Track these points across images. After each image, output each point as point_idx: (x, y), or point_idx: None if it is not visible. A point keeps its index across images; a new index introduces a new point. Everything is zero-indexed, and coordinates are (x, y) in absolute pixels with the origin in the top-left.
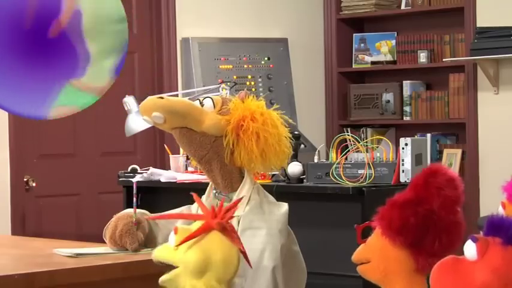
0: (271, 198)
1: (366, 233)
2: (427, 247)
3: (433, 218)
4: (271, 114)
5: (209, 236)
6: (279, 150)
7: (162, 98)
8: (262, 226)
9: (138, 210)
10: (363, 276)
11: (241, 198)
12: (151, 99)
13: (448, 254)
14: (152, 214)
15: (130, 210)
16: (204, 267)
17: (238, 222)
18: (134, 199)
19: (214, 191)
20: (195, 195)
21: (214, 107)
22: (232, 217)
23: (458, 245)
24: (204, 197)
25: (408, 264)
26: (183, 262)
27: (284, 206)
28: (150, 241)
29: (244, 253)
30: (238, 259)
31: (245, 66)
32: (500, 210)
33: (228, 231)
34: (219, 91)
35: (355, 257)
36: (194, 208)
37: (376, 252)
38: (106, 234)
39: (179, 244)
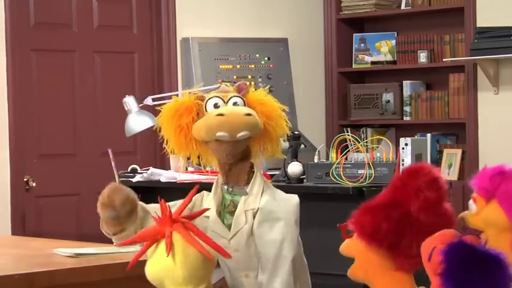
0: (279, 191)
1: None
2: (405, 249)
3: (409, 221)
4: (267, 98)
5: (156, 246)
6: (284, 125)
7: (250, 114)
8: (280, 217)
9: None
10: (352, 279)
11: (194, 191)
12: (239, 117)
13: None
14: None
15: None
16: (158, 280)
17: (254, 215)
18: (113, 163)
19: (226, 187)
20: (162, 201)
21: (245, 105)
22: (190, 218)
23: None
24: (211, 194)
25: (388, 265)
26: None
27: (295, 198)
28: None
29: (201, 251)
30: (182, 264)
31: (245, 66)
32: (471, 204)
33: (182, 234)
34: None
35: (342, 249)
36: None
37: (357, 252)
38: (98, 206)
39: (130, 266)
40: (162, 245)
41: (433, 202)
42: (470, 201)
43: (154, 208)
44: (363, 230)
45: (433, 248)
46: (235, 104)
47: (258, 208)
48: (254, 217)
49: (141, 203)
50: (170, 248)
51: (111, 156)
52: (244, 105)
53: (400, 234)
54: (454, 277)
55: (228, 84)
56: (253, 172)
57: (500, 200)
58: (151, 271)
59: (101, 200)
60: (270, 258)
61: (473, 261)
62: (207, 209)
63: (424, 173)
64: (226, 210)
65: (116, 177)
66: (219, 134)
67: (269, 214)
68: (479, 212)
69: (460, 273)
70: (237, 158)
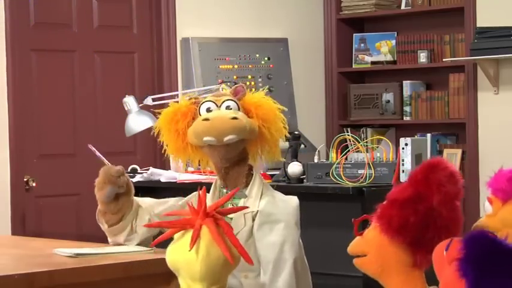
0: (278, 192)
1: (363, 224)
2: (426, 244)
3: (433, 216)
4: (264, 100)
5: (182, 235)
6: (281, 128)
7: (236, 118)
8: (280, 219)
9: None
10: (359, 269)
11: (235, 191)
12: (224, 121)
13: None
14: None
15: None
16: (175, 268)
17: (253, 218)
18: (97, 154)
19: (224, 190)
20: (203, 191)
21: (239, 109)
22: (223, 213)
23: None
24: (209, 196)
25: (406, 261)
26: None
27: (295, 199)
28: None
29: (224, 251)
30: (203, 260)
31: (245, 66)
32: (487, 206)
33: (211, 230)
34: (219, 91)
35: (351, 248)
36: (184, 201)
37: (373, 247)
38: (96, 190)
39: (154, 244)
40: (189, 235)
41: (453, 196)
42: (486, 203)
43: (147, 202)
44: (389, 224)
45: (450, 239)
46: (228, 107)
47: (258, 211)
48: (253, 220)
49: (135, 202)
50: (195, 242)
51: (93, 149)
52: (238, 109)
53: (425, 229)
54: (473, 263)
55: (226, 86)
56: (252, 175)
57: None
58: (171, 258)
59: (98, 181)
60: (271, 260)
61: (494, 251)
62: (246, 207)
63: (443, 167)
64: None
65: (106, 161)
66: (205, 138)
67: (269, 216)
68: (496, 213)
69: (479, 260)
70: (233, 162)
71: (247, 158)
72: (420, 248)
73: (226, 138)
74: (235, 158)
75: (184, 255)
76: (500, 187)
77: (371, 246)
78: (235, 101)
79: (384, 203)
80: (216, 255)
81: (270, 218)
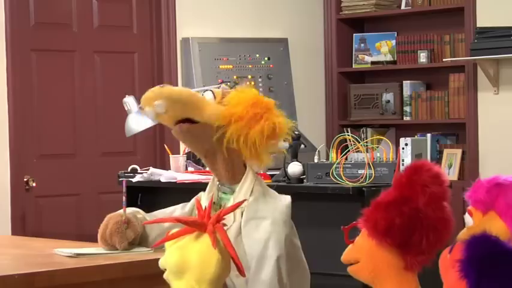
0: (272, 191)
1: (354, 231)
2: (415, 246)
3: (419, 217)
4: (263, 104)
5: (194, 237)
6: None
7: (163, 87)
8: (267, 216)
9: (131, 209)
10: (353, 277)
11: (243, 201)
12: (153, 89)
13: (437, 251)
14: (147, 213)
15: (122, 210)
16: (182, 268)
17: (242, 213)
18: (124, 198)
19: (217, 183)
20: (197, 201)
21: (214, 98)
22: (223, 217)
23: (447, 241)
24: (206, 191)
25: (397, 264)
26: (166, 263)
27: (287, 198)
28: (143, 240)
29: (234, 258)
30: (218, 263)
31: (245, 66)
32: (467, 218)
33: (220, 234)
34: None
35: (344, 257)
36: (189, 206)
37: (364, 253)
38: (98, 236)
39: (157, 244)
40: (204, 238)
41: (439, 197)
42: (466, 215)
43: (158, 215)
44: (376, 227)
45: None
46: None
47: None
48: (242, 215)
49: (144, 216)
50: (216, 243)
51: (124, 189)
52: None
53: (411, 230)
54: (474, 264)
55: (226, 86)
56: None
57: (500, 212)
58: (177, 258)
59: (102, 234)
60: (255, 257)
61: (496, 252)
62: (242, 202)
63: (426, 168)
64: (213, 207)
65: (123, 212)
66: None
67: (256, 212)
68: (478, 225)
69: (481, 261)
70: (205, 156)
71: (218, 153)
72: (409, 250)
73: (155, 104)
74: (202, 151)
75: (198, 257)
76: (480, 198)
77: (361, 253)
78: (212, 92)
79: (369, 207)
80: (228, 260)
81: (256, 214)
